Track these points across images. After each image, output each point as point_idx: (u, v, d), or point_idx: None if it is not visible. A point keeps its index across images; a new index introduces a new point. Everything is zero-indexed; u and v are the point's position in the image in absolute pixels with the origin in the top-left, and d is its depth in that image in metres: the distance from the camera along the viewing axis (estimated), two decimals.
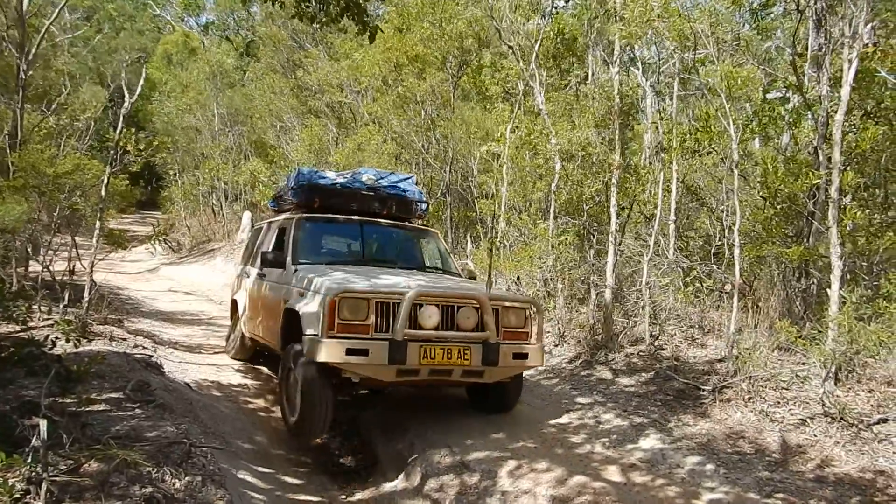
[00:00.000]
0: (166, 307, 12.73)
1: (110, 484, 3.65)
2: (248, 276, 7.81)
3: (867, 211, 6.85)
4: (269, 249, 7.12)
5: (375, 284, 5.48)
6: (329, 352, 5.01)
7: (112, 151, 8.66)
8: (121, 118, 8.84)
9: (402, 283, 5.59)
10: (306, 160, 16.10)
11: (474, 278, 7.35)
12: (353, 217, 7.01)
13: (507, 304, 5.65)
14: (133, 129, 9.33)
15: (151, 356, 7.37)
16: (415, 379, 5.37)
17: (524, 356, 5.60)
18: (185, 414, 5.87)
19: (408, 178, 7.77)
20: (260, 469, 6.01)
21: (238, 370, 8.29)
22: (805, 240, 7.28)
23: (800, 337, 6.09)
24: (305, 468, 6.18)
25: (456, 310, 5.37)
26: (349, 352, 4.99)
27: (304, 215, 6.87)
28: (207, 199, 22.93)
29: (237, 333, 8.33)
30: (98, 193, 8.97)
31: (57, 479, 3.53)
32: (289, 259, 6.43)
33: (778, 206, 7.61)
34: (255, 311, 7.28)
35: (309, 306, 5.36)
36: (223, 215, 21.61)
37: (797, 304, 7.10)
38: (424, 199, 7.78)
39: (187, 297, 13.69)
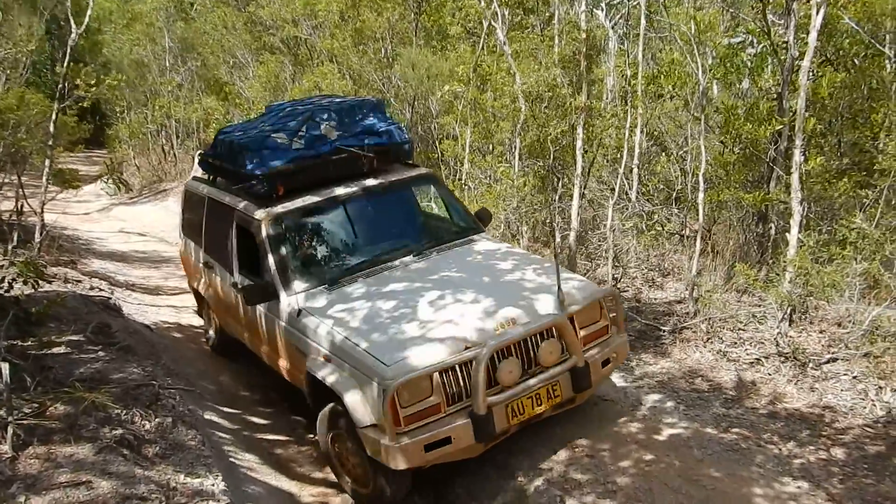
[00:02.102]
0: (120, 248, 12.43)
1: (79, 426, 3.61)
2: (216, 274, 6.22)
3: (823, 158, 6.99)
4: (232, 250, 5.73)
5: (427, 333, 4.28)
6: (406, 458, 3.98)
7: (60, 86, 8.25)
8: (68, 49, 8.40)
9: (460, 320, 4.39)
10: (261, 98, 15.63)
11: (489, 219, 6.08)
12: (333, 195, 5.44)
13: (585, 307, 4.66)
14: (80, 64, 8.88)
15: (109, 298, 7.22)
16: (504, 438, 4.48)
17: (609, 360, 4.75)
18: (149, 356, 5.82)
19: (371, 109, 5.96)
20: (226, 410, 6.03)
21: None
22: (765, 185, 7.43)
23: (757, 280, 6.27)
24: (272, 408, 6.21)
25: (535, 344, 4.40)
26: (429, 448, 4.01)
27: (274, 214, 5.26)
28: (157, 138, 22.18)
29: (215, 329, 6.99)
30: (45, 130, 8.58)
31: (23, 421, 3.47)
32: (280, 287, 5.00)
33: (739, 152, 7.72)
34: (249, 330, 5.80)
35: (353, 393, 4.15)
36: (175, 155, 20.96)
37: (755, 248, 7.29)
38: (406, 134, 6.13)
39: (141, 239, 13.38)
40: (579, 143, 7.88)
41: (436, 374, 4.05)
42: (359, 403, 4.08)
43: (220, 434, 5.33)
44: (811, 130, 6.73)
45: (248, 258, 5.58)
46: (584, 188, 8.57)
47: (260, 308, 5.25)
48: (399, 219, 5.88)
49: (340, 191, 5.49)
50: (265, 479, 4.91)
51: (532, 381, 4.32)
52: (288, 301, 4.92)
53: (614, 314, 4.85)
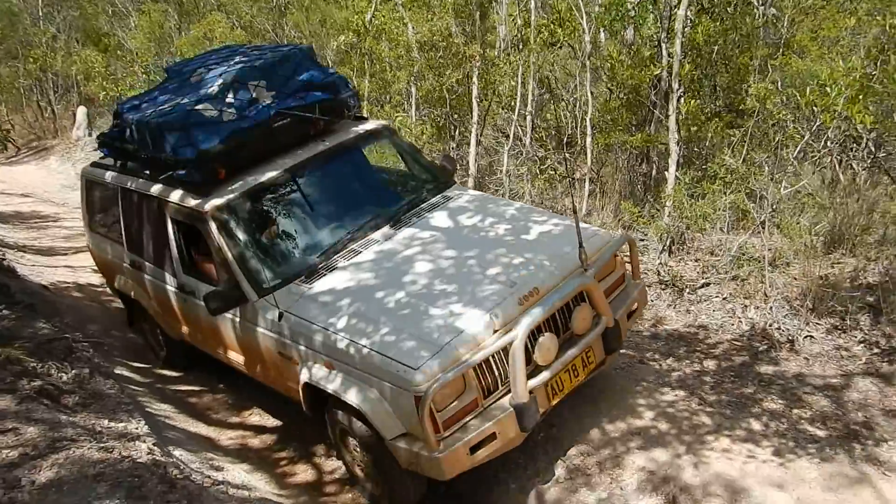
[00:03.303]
0: (3, 210, 11.81)
1: None
2: (151, 277, 5.34)
3: (698, 101, 7.57)
4: (172, 249, 4.92)
5: (444, 321, 3.72)
6: (451, 465, 3.51)
7: None
8: None
9: (475, 300, 3.85)
10: (146, 49, 14.95)
11: (453, 169, 5.37)
12: (286, 169, 4.69)
13: (606, 259, 4.22)
14: None
15: (3, 259, 6.97)
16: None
17: (635, 309, 4.46)
18: (52, 315, 5.74)
19: (302, 59, 5.14)
20: (136, 364, 6.05)
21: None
22: (647, 128, 7.97)
23: (641, 216, 6.80)
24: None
25: (567, 313, 3.96)
26: (474, 449, 3.55)
27: (222, 205, 4.46)
28: (32, 93, 20.76)
29: (158, 341, 5.98)
30: None
31: None
32: (248, 290, 4.26)
33: (623, 98, 8.21)
34: (212, 339, 4.96)
35: (373, 404, 3.61)
36: (53, 111, 19.73)
37: (639, 187, 7.84)
38: (350, 86, 5.37)
39: (25, 200, 12.72)
40: (475, 92, 8.14)
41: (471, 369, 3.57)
42: (383, 414, 3.56)
43: (133, 387, 5.38)
44: (687, 76, 7.26)
45: (193, 257, 4.90)
46: (481, 135, 8.87)
47: (227, 314, 4.45)
48: (363, 184, 5.16)
49: (291, 161, 4.72)
50: (183, 425, 5.03)
51: (569, 354, 3.88)
52: (262, 305, 4.20)
53: (630, 261, 4.51)
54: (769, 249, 5.84)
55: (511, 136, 8.36)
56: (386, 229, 4.57)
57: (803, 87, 4.97)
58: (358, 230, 4.56)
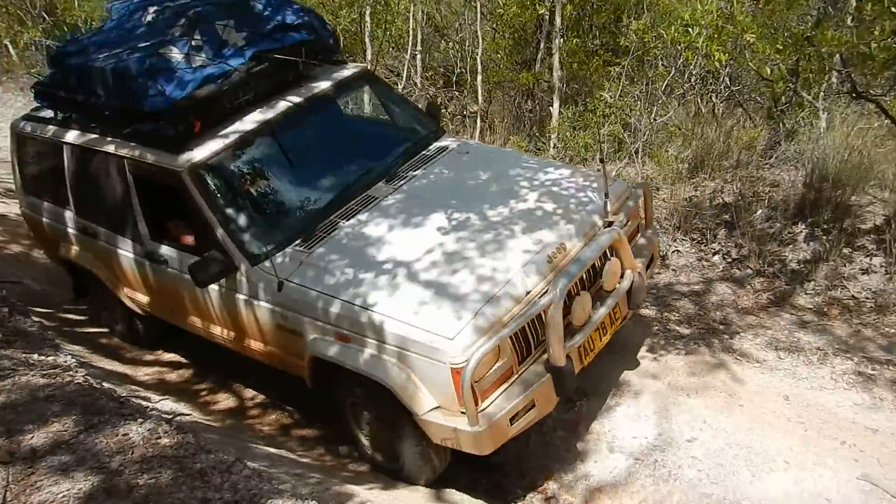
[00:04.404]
0: None
1: None
2: (108, 244, 4.75)
3: (579, 40, 8.08)
4: (137, 212, 4.40)
5: (470, 285, 3.43)
6: (494, 439, 3.27)
7: None
8: None
9: (499, 259, 3.57)
10: None
11: (437, 117, 4.97)
12: (268, 120, 4.19)
13: (630, 210, 4.03)
14: None
15: None
16: None
17: (652, 258, 4.26)
18: None
19: None
20: (39, 309, 5.99)
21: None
22: (533, 66, 8.42)
23: (528, 148, 7.30)
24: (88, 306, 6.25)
25: (598, 269, 3.74)
26: (514, 420, 3.30)
27: (201, 162, 3.96)
28: None
29: (122, 316, 5.40)
30: None
31: None
32: (238, 257, 3.83)
33: (510, 37, 8.60)
34: (193, 312, 4.41)
35: (400, 377, 3.28)
36: None
37: (526, 122, 8.33)
38: (328, 25, 4.88)
39: None
40: (367, 30, 8.28)
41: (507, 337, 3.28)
42: (412, 389, 3.26)
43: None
44: (568, 16, 7.72)
45: (163, 221, 4.43)
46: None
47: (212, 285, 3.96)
48: (351, 136, 4.75)
49: (272, 112, 4.23)
50: (98, 364, 5.10)
51: (601, 312, 3.65)
52: (256, 273, 3.78)
53: (644, 210, 4.27)
54: (642, 176, 6.46)
55: (403, 75, 8.59)
56: (382, 185, 4.19)
57: (670, 27, 5.50)
58: (353, 187, 4.17)
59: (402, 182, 4.21)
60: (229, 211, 3.92)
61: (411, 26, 8.72)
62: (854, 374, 4.27)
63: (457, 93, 9.64)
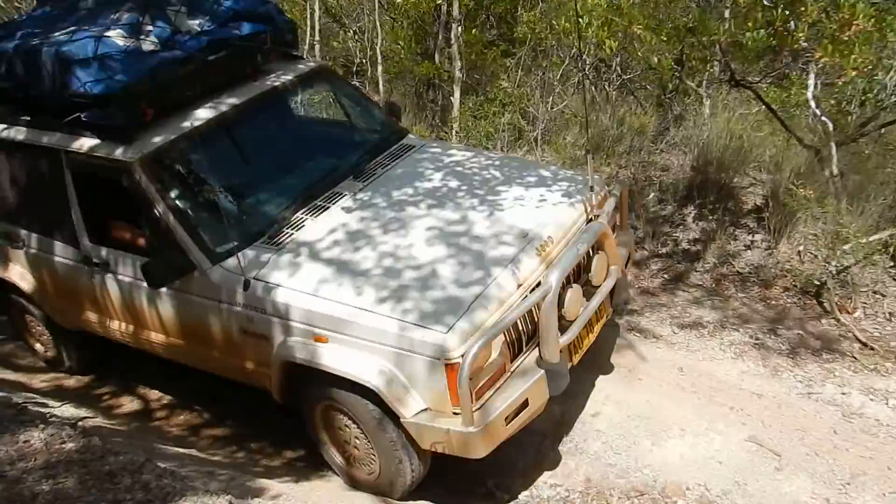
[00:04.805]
0: None
1: None
2: (35, 249, 4.31)
3: (477, 30, 8.18)
4: (73, 211, 3.99)
5: (458, 277, 3.25)
6: (490, 440, 3.06)
7: None
8: None
9: (485, 251, 3.40)
10: None
11: (398, 116, 4.87)
12: (224, 112, 3.88)
13: (612, 205, 3.90)
14: None
15: None
16: None
17: (629, 258, 4.15)
18: None
19: None
20: None
21: None
22: (433, 57, 8.47)
23: (431, 138, 7.36)
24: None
25: (586, 263, 3.62)
26: (510, 419, 3.10)
27: (153, 152, 3.63)
28: None
29: (46, 333, 4.85)
30: None
31: None
32: (197, 256, 3.50)
33: (409, 27, 8.61)
34: (136, 323, 4.01)
35: (387, 379, 3.04)
36: None
37: (429, 112, 8.38)
38: (286, 16, 4.62)
39: None
40: None
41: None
42: (399, 390, 3.04)
43: None
44: (466, 6, 7.81)
45: (105, 221, 4.04)
46: None
47: (153, 293, 3.67)
48: (312, 132, 4.58)
49: (230, 104, 3.92)
50: None
51: (591, 306, 3.51)
52: (217, 273, 3.46)
53: (619, 210, 4.13)
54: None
55: None
56: (350, 181, 3.96)
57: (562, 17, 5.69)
58: (318, 183, 3.92)
59: (371, 179, 3.99)
60: (185, 205, 3.60)
61: (308, 15, 8.60)
62: (740, 344, 4.59)
63: (358, 83, 9.57)
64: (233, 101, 3.93)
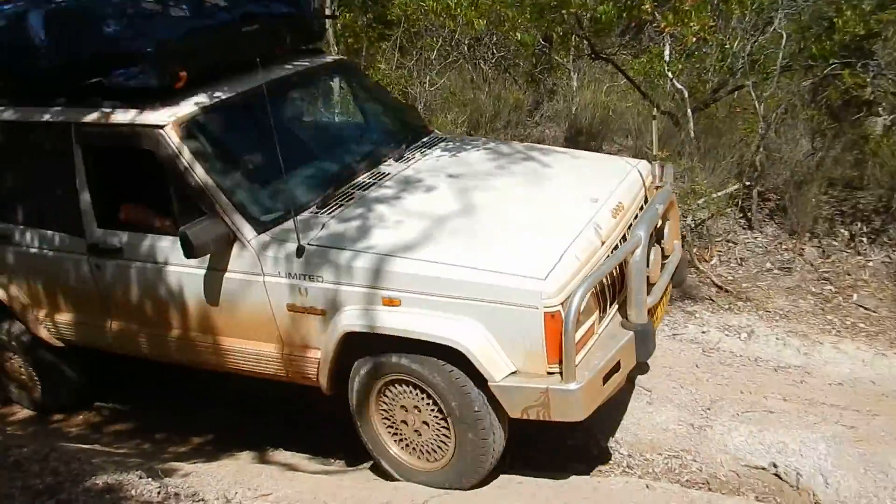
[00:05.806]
0: None
1: None
2: (33, 249, 3.79)
3: (352, 14, 8.24)
4: (84, 194, 3.55)
5: (539, 234, 3.04)
6: (592, 400, 2.81)
7: None
8: None
9: (558, 212, 3.21)
10: None
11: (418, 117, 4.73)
12: (260, 85, 3.27)
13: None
14: None
15: None
16: None
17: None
18: None
19: None
20: None
21: None
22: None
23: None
24: None
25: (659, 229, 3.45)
26: (606, 379, 2.86)
27: (190, 116, 3.32)
28: None
29: (28, 365, 4.28)
30: None
31: None
32: (241, 224, 3.14)
33: None
34: (158, 319, 3.54)
35: (476, 338, 2.75)
36: None
37: None
38: (312, 5, 4.41)
39: None
40: None
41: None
42: (488, 349, 2.76)
43: None
44: None
45: (115, 202, 3.62)
46: None
47: (178, 277, 3.31)
48: (353, 115, 4.46)
49: (265, 77, 3.48)
50: None
51: (667, 272, 3.37)
52: (262, 244, 3.12)
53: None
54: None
55: None
56: (393, 162, 3.74)
57: None
58: (362, 160, 3.72)
59: (415, 160, 3.78)
60: (225, 172, 3.28)
61: None
62: None
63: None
64: (271, 75, 3.69)
